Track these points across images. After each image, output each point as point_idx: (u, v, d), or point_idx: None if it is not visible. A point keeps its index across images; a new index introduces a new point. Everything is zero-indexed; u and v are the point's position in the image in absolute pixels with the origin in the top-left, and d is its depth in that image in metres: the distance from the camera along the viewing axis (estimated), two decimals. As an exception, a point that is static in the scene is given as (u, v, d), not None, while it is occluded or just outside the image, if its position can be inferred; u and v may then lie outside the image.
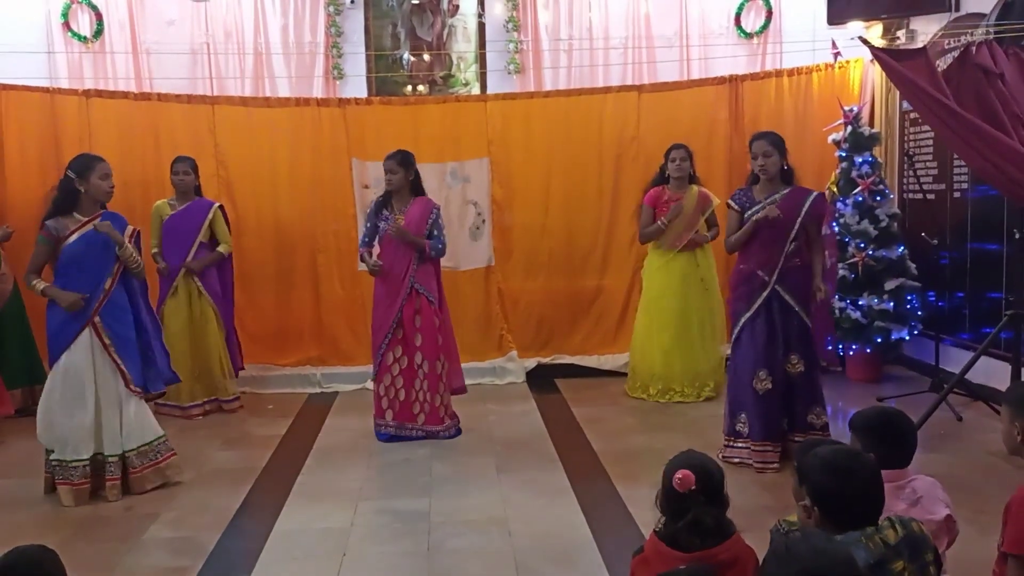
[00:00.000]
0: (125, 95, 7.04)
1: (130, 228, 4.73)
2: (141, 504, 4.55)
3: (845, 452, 2.48)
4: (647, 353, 6.45)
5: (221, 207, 6.39)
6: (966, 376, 5.66)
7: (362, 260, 5.70)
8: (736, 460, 4.89)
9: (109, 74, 7.48)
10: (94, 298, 4.51)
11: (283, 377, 6.95)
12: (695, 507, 2.43)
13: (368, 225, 5.64)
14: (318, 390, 6.86)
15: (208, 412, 6.26)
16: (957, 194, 6.46)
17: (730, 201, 5.07)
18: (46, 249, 4.54)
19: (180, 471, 4.87)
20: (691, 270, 6.34)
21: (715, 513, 2.45)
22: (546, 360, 7.21)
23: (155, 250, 6.16)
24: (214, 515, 4.37)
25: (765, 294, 4.88)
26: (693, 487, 2.42)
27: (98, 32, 7.49)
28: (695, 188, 6.29)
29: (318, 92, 7.63)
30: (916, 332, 6.66)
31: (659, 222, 6.20)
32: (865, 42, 5.33)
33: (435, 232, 5.52)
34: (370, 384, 6.81)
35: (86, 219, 4.56)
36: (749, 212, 4.89)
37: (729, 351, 5.19)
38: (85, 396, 4.53)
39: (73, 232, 4.52)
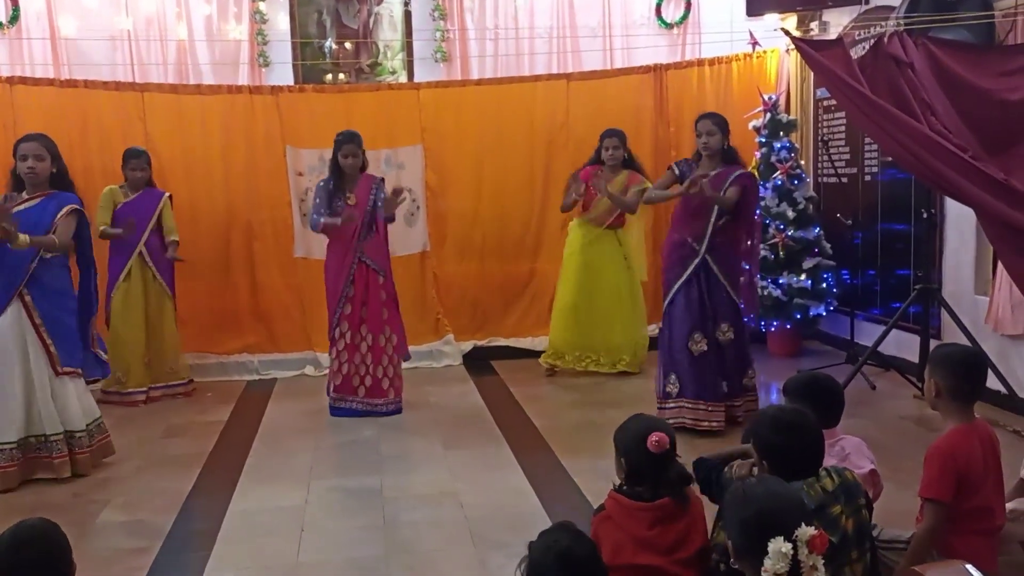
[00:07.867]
0: (51, 82, 6.87)
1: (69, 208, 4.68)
2: (89, 491, 4.54)
3: (791, 410, 2.71)
4: (565, 323, 6.65)
5: (170, 197, 6.36)
6: (878, 348, 6.05)
7: (324, 223, 5.60)
8: (671, 421, 4.90)
9: (26, 60, 7.27)
10: (19, 276, 4.51)
11: (220, 365, 6.92)
12: (670, 464, 2.61)
13: (318, 201, 5.66)
14: (256, 377, 6.87)
15: (152, 399, 6.21)
16: (868, 177, 6.84)
17: (672, 164, 5.42)
18: None
19: (113, 449, 4.91)
20: (613, 247, 6.60)
21: (680, 468, 2.65)
22: (482, 343, 7.35)
23: (103, 227, 6.04)
24: (166, 498, 4.40)
25: (696, 262, 5.15)
26: (668, 447, 2.59)
27: (14, 18, 7.28)
28: (625, 173, 6.48)
29: (243, 80, 7.55)
30: (832, 308, 7.03)
31: (573, 189, 6.36)
32: (787, 33, 5.61)
33: (379, 204, 5.68)
34: (309, 370, 6.94)
35: (27, 198, 4.65)
36: (687, 181, 5.09)
37: (661, 321, 5.40)
38: (12, 376, 4.49)
39: (14, 207, 4.59)
